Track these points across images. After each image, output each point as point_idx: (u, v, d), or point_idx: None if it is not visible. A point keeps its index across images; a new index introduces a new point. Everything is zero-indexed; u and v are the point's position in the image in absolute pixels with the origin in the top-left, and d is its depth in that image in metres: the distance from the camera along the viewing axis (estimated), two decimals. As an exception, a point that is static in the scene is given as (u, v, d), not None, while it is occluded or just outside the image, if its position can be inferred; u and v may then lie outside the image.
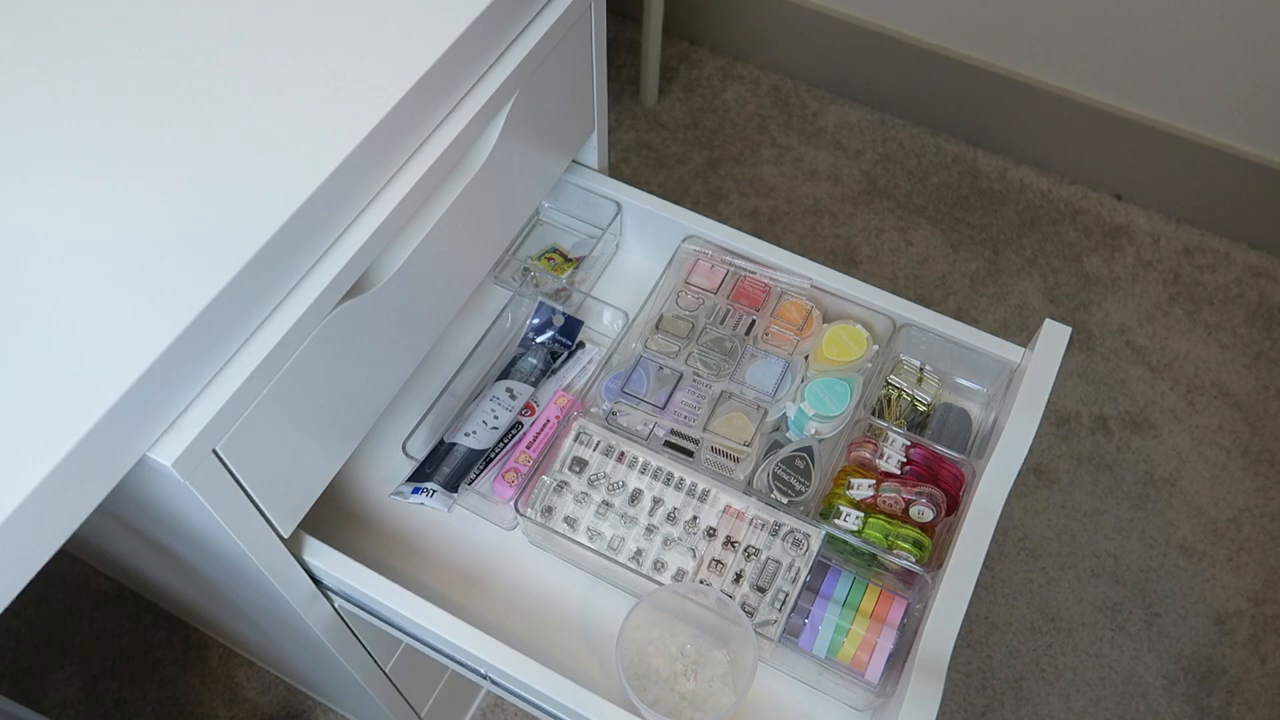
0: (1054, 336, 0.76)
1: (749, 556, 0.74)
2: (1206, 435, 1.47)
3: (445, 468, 0.79)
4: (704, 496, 0.77)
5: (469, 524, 0.81)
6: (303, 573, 0.72)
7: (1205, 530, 1.40)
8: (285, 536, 0.67)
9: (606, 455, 0.78)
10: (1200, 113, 1.54)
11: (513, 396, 0.83)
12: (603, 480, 0.78)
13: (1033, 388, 0.74)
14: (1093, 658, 1.31)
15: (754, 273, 0.87)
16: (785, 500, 0.76)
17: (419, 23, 0.65)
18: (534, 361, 0.86)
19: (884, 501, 0.74)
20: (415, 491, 0.78)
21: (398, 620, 0.73)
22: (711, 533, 0.75)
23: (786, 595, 0.72)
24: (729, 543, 0.75)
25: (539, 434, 0.81)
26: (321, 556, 0.72)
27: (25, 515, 0.46)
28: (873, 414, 0.80)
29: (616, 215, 0.91)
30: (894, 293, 0.83)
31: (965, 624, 0.79)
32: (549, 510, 0.77)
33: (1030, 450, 0.72)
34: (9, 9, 0.64)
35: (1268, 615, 1.33)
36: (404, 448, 0.82)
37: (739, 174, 1.74)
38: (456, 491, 0.78)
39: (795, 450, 0.78)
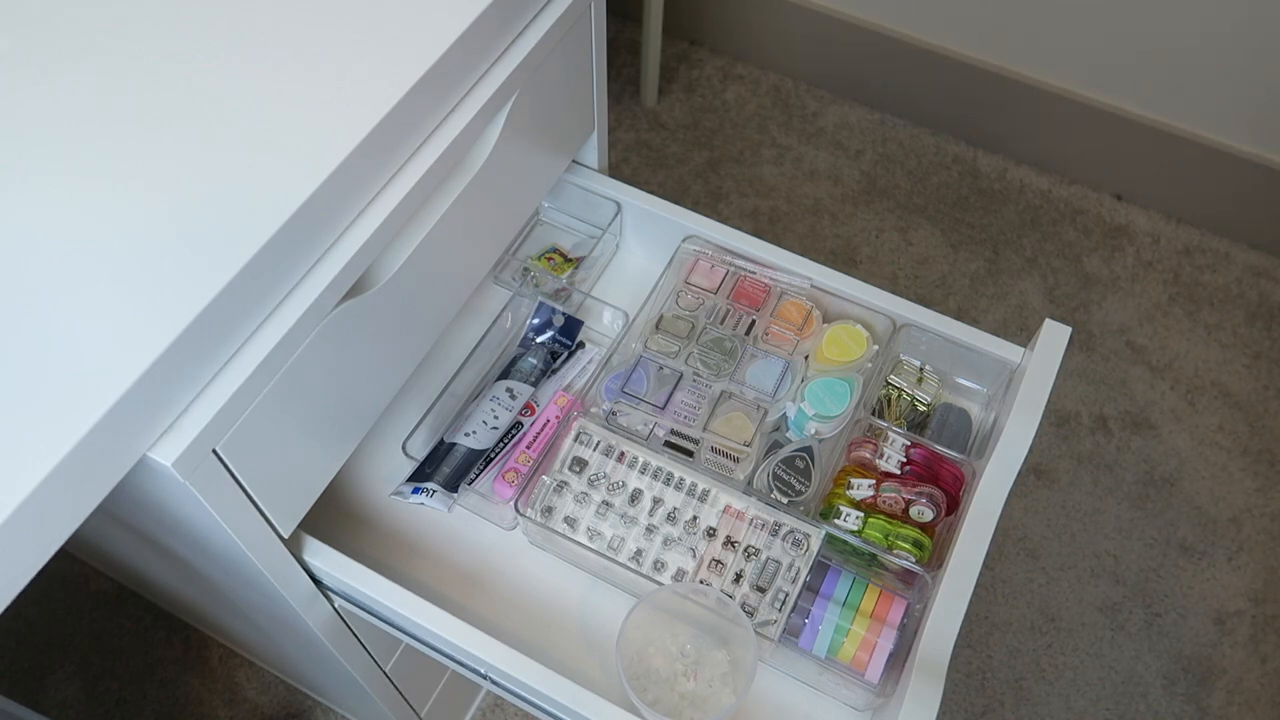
0: (1054, 336, 0.76)
1: (749, 556, 0.74)
2: (1206, 435, 1.47)
3: (445, 468, 0.79)
4: (704, 496, 0.77)
5: (469, 524, 0.81)
6: (303, 573, 0.72)
7: (1205, 530, 1.40)
8: (285, 536, 0.67)
9: (606, 455, 0.78)
10: (1200, 113, 1.54)
11: (513, 396, 0.83)
12: (603, 480, 0.78)
13: (1033, 388, 0.74)
14: (1093, 658, 1.31)
15: (754, 273, 0.87)
16: (785, 500, 0.76)
17: (419, 22, 0.65)
18: (534, 361, 0.86)
19: (884, 501, 0.74)
20: (415, 491, 0.78)
21: (398, 620, 0.73)
22: (711, 533, 0.75)
23: (786, 595, 0.72)
24: (729, 543, 0.75)
25: (539, 434, 0.81)
26: (321, 556, 0.72)
27: (25, 515, 0.46)
28: (873, 414, 0.80)
29: (616, 215, 0.91)
30: (894, 293, 0.83)
31: (965, 624, 0.79)
32: (549, 510, 0.77)
33: (1030, 450, 0.72)
34: (9, 9, 0.64)
35: (1268, 615, 1.33)
36: (404, 448, 0.82)
37: (739, 174, 1.74)
38: (456, 491, 0.78)
39: (795, 450, 0.77)
